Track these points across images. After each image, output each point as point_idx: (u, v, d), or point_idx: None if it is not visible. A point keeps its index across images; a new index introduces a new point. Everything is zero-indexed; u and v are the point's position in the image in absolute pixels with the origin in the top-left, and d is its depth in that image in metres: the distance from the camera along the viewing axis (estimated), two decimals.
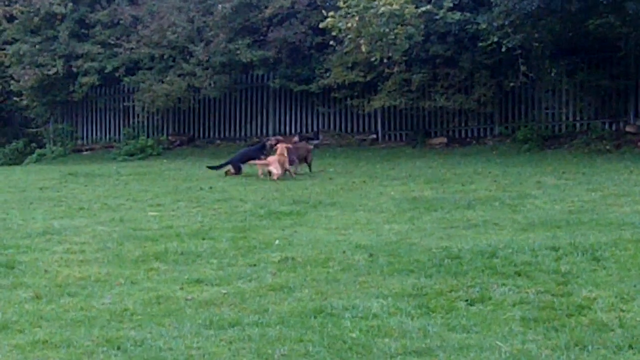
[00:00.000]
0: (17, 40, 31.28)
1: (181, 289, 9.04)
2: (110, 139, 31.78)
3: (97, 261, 10.65)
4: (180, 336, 7.23)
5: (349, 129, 28.43)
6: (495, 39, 22.57)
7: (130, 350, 6.87)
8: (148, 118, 30.74)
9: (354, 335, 7.10)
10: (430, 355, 6.59)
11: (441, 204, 14.44)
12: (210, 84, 27.45)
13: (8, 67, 32.43)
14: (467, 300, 8.11)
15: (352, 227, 12.64)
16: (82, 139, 32.59)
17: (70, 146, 31.89)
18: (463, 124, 26.78)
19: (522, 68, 23.26)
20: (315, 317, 7.67)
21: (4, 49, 32.49)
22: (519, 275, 9.02)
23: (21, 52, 30.75)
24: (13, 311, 8.20)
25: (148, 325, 7.60)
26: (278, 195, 16.61)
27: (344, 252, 10.56)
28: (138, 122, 30.96)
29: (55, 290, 9.06)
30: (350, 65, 25.52)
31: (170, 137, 30.57)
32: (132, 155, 28.83)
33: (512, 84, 24.33)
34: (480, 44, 23.39)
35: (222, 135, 30.26)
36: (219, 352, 6.81)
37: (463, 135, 26.73)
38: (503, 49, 22.53)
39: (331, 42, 24.61)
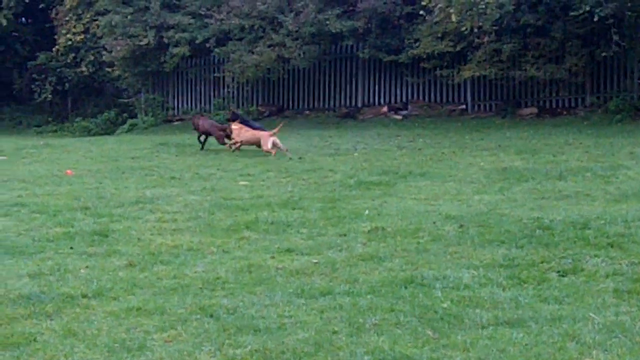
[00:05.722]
0: (109, 11, 31.63)
1: (272, 258, 9.11)
2: (200, 109, 32.00)
3: (189, 230, 10.79)
4: (272, 304, 7.29)
5: (438, 100, 28.25)
6: (588, 8, 22.19)
7: (223, 318, 6.95)
8: (238, 88, 30.89)
9: (445, 305, 7.10)
10: (522, 326, 6.56)
11: (532, 175, 14.30)
12: (299, 55, 27.47)
13: (100, 38, 32.87)
14: (559, 272, 8.06)
15: (441, 198, 12.60)
16: (173, 109, 32.89)
17: (161, 116, 32.22)
18: (554, 94, 26.43)
19: (615, 37, 22.85)
20: (406, 287, 7.68)
21: (97, 20, 32.92)
22: (612, 246, 8.93)
23: (113, 23, 31.11)
24: (107, 278, 8.35)
25: (240, 294, 7.68)
26: (367, 165, 16.61)
27: (434, 222, 10.54)
28: (228, 92, 31.13)
29: (148, 258, 9.21)
30: (440, 35, 25.34)
31: (259, 108, 30.66)
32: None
33: (604, 54, 23.92)
34: (572, 13, 23.03)
35: (311, 106, 30.28)
36: (311, 320, 6.86)
37: (554, 105, 26.37)
38: (595, 18, 22.16)
39: (421, 12, 24.52)
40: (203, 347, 6.33)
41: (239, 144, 19.90)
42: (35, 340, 6.55)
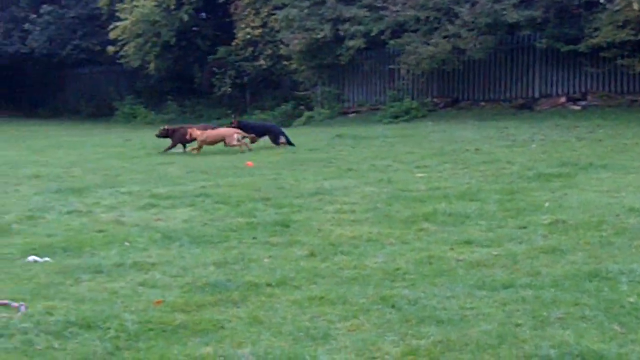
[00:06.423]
0: (286, 5, 32.12)
1: (451, 249, 9.09)
2: (375, 101, 32.14)
3: (367, 221, 10.87)
4: (454, 296, 7.27)
5: (618, 90, 27.53)
6: None
7: (405, 309, 6.98)
8: (412, 80, 30.88)
9: (631, 299, 6.93)
10: None
11: None
12: (475, 45, 27.23)
13: (278, 31, 33.42)
14: None
15: (624, 190, 12.29)
16: (349, 101, 33.12)
17: (337, 109, 32.48)
18: None
19: None
20: (590, 281, 7.53)
21: (274, 14, 33.48)
22: None
23: (290, 17, 31.58)
24: (290, 268, 8.50)
25: (421, 285, 7.70)
26: (545, 157, 16.38)
27: (617, 215, 10.31)
28: (403, 84, 31.16)
29: (328, 249, 9.32)
30: (620, 23, 24.66)
31: (434, 99, 30.58)
32: (397, 117, 29.07)
33: None
34: None
35: (486, 97, 29.99)
36: (493, 313, 6.81)
37: None
38: None
39: (601, 0, 23.95)
40: (386, 337, 6.37)
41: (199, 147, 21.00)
42: (222, 327, 6.72)
